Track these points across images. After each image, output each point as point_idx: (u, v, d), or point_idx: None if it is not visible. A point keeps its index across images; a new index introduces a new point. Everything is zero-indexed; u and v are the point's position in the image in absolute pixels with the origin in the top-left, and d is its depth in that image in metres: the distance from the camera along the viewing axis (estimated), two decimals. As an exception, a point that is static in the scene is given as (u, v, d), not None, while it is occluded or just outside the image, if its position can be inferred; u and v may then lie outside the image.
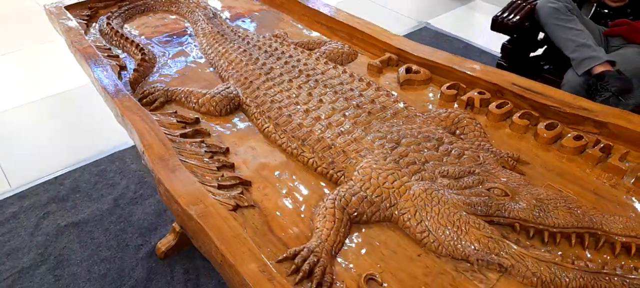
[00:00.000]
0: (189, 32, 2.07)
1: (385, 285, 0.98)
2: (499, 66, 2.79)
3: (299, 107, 1.45)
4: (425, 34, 4.30)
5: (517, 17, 2.64)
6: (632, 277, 0.94)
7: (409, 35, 4.15)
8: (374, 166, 1.21)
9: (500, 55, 2.89)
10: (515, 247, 1.01)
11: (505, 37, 2.82)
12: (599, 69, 2.37)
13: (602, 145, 1.29)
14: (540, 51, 3.02)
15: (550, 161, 1.31)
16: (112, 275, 2.12)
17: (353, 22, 1.92)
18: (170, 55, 1.88)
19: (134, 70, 1.65)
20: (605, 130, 1.36)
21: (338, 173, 1.25)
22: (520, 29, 2.74)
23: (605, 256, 1.03)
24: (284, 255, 1.03)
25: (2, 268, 2.15)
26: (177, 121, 1.41)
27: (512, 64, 2.79)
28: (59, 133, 3.07)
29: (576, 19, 2.53)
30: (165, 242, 2.05)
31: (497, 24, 2.70)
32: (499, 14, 2.71)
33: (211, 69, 1.79)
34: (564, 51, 2.54)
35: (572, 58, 2.49)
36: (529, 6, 2.70)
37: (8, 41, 4.11)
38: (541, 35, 2.87)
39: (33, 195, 2.58)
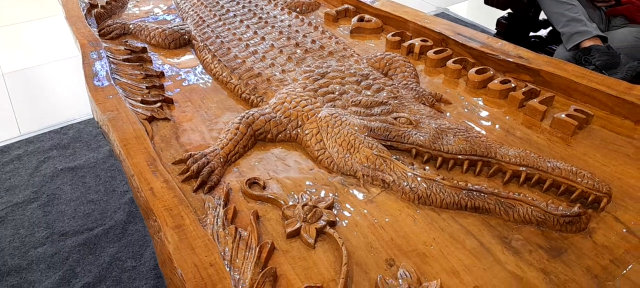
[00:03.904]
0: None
1: (266, 187, 1.02)
2: (492, 42, 2.73)
3: (241, 42, 1.50)
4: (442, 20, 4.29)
5: (510, -9, 2.58)
6: (505, 196, 0.94)
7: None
8: (291, 93, 1.25)
9: (495, 31, 2.84)
10: (400, 164, 1.03)
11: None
12: (587, 43, 2.29)
13: (525, 89, 1.28)
14: (544, 32, 2.94)
15: (474, 103, 1.31)
16: (95, 215, 2.25)
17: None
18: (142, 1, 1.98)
19: (101, 7, 1.76)
20: (539, 78, 1.34)
21: (258, 99, 1.30)
22: (516, 5, 2.68)
23: (495, 183, 1.03)
24: (180, 158, 1.08)
25: (-2, 201, 2.33)
26: (124, 49, 1.50)
27: (507, 41, 2.72)
28: (71, 90, 3.28)
29: (570, -7, 2.45)
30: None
31: (489, -2, 2.65)
32: (493, -13, 2.66)
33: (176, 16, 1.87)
34: (555, 26, 2.47)
35: (562, 33, 2.42)
36: (524, -20, 2.64)
37: (45, 6, 4.38)
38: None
39: (38, 141, 2.77)
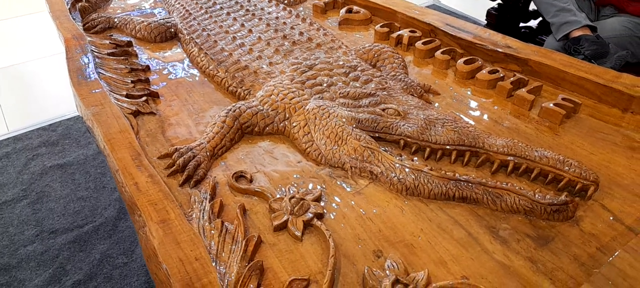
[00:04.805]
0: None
1: (253, 181, 1.01)
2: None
3: (228, 35, 1.49)
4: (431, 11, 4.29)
5: (500, -19, 2.58)
6: (492, 185, 0.94)
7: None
8: (278, 85, 1.24)
9: (485, 22, 2.83)
10: (388, 156, 1.02)
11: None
12: (576, 33, 2.29)
13: (514, 79, 1.27)
14: (534, 23, 2.94)
15: (462, 93, 1.30)
16: (85, 212, 2.23)
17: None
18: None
19: (86, 0, 1.73)
20: (527, 68, 1.34)
21: (245, 92, 1.28)
22: (506, -5, 2.68)
23: (483, 173, 1.03)
24: (165, 152, 1.07)
25: (-14, 199, 2.30)
26: (109, 43, 1.47)
27: (497, 31, 2.72)
28: (59, 86, 3.24)
29: (559, -17, 2.45)
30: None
31: (480, -12, 2.65)
32: (482, -22, 2.66)
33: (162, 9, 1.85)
34: (545, 16, 2.47)
35: (552, 23, 2.42)
36: (514, -29, 2.64)
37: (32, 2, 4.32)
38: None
39: (27, 138, 2.73)
